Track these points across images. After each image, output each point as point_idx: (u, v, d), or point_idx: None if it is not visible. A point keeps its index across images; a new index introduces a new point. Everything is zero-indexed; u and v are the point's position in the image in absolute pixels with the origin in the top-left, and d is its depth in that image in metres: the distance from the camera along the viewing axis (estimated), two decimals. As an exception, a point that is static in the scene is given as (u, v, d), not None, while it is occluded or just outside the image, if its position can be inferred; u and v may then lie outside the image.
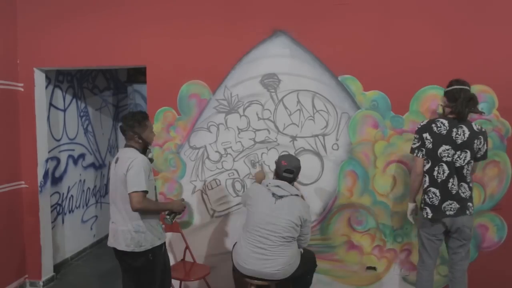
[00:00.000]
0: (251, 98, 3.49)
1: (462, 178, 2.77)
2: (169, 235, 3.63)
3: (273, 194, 2.77)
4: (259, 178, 3.18)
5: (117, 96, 5.73)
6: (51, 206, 4.15)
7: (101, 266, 4.46)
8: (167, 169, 3.63)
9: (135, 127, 2.68)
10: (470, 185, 2.82)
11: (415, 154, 2.85)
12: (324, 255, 3.47)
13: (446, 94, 2.84)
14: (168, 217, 2.80)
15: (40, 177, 3.88)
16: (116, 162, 2.68)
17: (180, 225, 3.59)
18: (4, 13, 3.68)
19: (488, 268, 3.28)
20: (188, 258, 3.53)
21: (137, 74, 5.63)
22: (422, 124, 2.85)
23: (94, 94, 5.14)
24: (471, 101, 2.75)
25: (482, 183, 3.26)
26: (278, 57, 3.42)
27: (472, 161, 2.77)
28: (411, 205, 3.00)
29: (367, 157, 3.37)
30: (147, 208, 2.58)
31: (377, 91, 3.32)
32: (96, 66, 4.11)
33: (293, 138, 3.46)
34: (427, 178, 2.82)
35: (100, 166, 5.28)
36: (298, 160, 2.93)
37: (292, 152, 3.44)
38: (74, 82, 4.69)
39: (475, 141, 2.74)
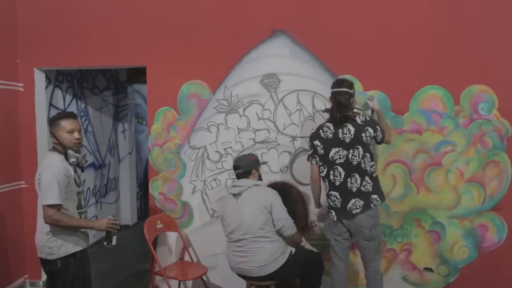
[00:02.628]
0: (251, 98, 3.49)
1: (363, 173, 2.77)
2: (168, 234, 3.64)
3: (233, 195, 2.88)
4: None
5: (117, 96, 5.72)
6: (51, 206, 4.14)
7: (101, 266, 4.45)
8: (167, 169, 3.63)
9: (50, 127, 2.51)
10: (374, 175, 2.81)
11: (310, 162, 2.92)
12: (324, 255, 3.46)
13: (330, 96, 2.90)
14: (105, 242, 2.60)
15: (40, 177, 3.87)
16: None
17: (180, 225, 3.59)
18: (4, 13, 3.68)
19: (488, 268, 3.27)
20: (187, 258, 3.54)
21: (137, 74, 5.62)
22: (312, 131, 2.90)
23: (94, 94, 5.14)
24: (341, 106, 2.77)
25: (482, 183, 3.26)
26: (278, 57, 3.42)
27: (367, 154, 2.77)
28: (317, 211, 3.12)
29: (367, 157, 3.37)
30: (59, 223, 2.41)
31: (377, 91, 3.32)
32: (96, 66, 4.11)
33: (293, 138, 3.46)
34: (327, 183, 2.85)
35: (100, 166, 5.28)
36: (248, 158, 2.98)
37: (292, 152, 3.45)
38: (74, 82, 4.69)
39: (362, 135, 2.75)
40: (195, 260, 3.57)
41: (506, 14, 3.19)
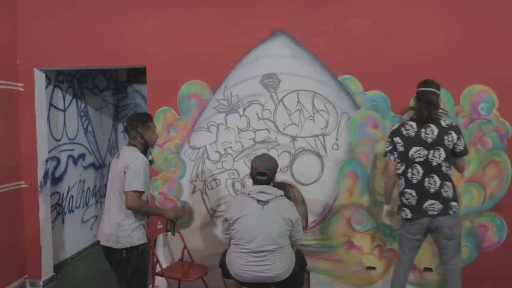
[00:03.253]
0: (251, 98, 3.49)
1: (443, 177, 2.77)
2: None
3: (258, 201, 2.68)
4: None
5: (117, 96, 5.72)
6: (51, 206, 4.14)
7: (101, 266, 4.43)
8: (167, 169, 3.63)
9: (138, 127, 2.74)
10: (453, 182, 2.81)
11: (387, 158, 2.92)
12: (324, 255, 3.47)
13: (415, 95, 2.88)
14: (169, 233, 2.89)
15: (40, 177, 3.88)
16: (117, 158, 2.75)
17: (180, 225, 3.59)
18: (4, 13, 3.67)
19: (488, 268, 3.28)
20: (186, 258, 3.53)
21: (137, 74, 5.62)
22: (393, 128, 2.92)
23: (94, 94, 5.14)
24: (430, 105, 2.77)
25: (482, 183, 3.26)
26: (278, 57, 3.42)
27: (448, 159, 2.76)
28: (386, 207, 3.05)
29: (367, 157, 3.37)
30: (140, 208, 2.64)
31: (377, 91, 3.32)
32: (96, 66, 4.11)
33: (293, 138, 3.46)
34: (402, 180, 2.86)
35: (100, 166, 5.27)
36: (272, 160, 2.84)
37: (292, 152, 3.45)
38: (74, 82, 4.69)
39: (445, 137, 2.75)
40: (195, 260, 3.57)
41: (506, 14, 3.19)
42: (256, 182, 2.78)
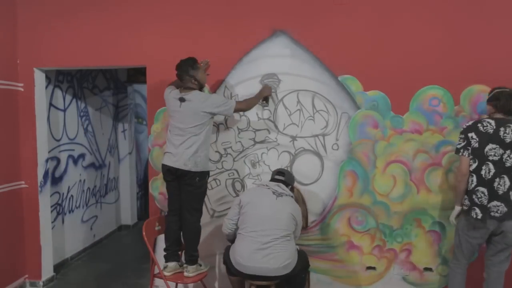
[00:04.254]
0: (251, 98, 3.49)
1: None
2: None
3: (274, 192, 2.90)
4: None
5: (117, 96, 5.72)
6: (51, 206, 4.14)
7: (101, 266, 4.45)
8: (167, 169, 3.62)
9: (189, 71, 3.04)
10: None
11: (460, 154, 2.81)
12: (324, 255, 3.47)
13: (489, 100, 2.85)
14: (264, 101, 3.38)
15: (40, 177, 3.88)
16: (182, 101, 3.02)
17: (180, 225, 3.59)
18: (4, 12, 3.68)
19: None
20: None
21: (137, 74, 5.62)
22: (467, 125, 2.84)
23: (94, 94, 5.14)
24: None
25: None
26: (278, 57, 3.42)
27: None
28: (458, 208, 2.91)
29: (367, 157, 3.38)
30: (245, 106, 3.20)
31: (377, 91, 3.32)
32: (96, 66, 4.11)
33: (293, 138, 3.46)
34: (474, 178, 2.77)
35: (100, 166, 5.28)
36: (292, 175, 3.27)
37: (292, 152, 3.45)
38: (74, 82, 4.69)
39: None
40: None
41: (506, 14, 3.19)
42: (274, 181, 3.04)
